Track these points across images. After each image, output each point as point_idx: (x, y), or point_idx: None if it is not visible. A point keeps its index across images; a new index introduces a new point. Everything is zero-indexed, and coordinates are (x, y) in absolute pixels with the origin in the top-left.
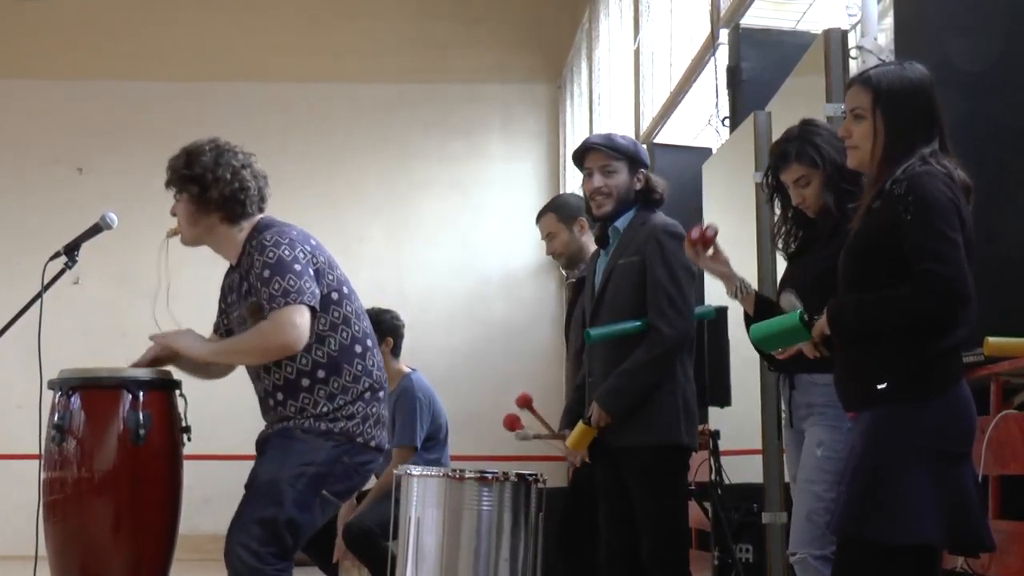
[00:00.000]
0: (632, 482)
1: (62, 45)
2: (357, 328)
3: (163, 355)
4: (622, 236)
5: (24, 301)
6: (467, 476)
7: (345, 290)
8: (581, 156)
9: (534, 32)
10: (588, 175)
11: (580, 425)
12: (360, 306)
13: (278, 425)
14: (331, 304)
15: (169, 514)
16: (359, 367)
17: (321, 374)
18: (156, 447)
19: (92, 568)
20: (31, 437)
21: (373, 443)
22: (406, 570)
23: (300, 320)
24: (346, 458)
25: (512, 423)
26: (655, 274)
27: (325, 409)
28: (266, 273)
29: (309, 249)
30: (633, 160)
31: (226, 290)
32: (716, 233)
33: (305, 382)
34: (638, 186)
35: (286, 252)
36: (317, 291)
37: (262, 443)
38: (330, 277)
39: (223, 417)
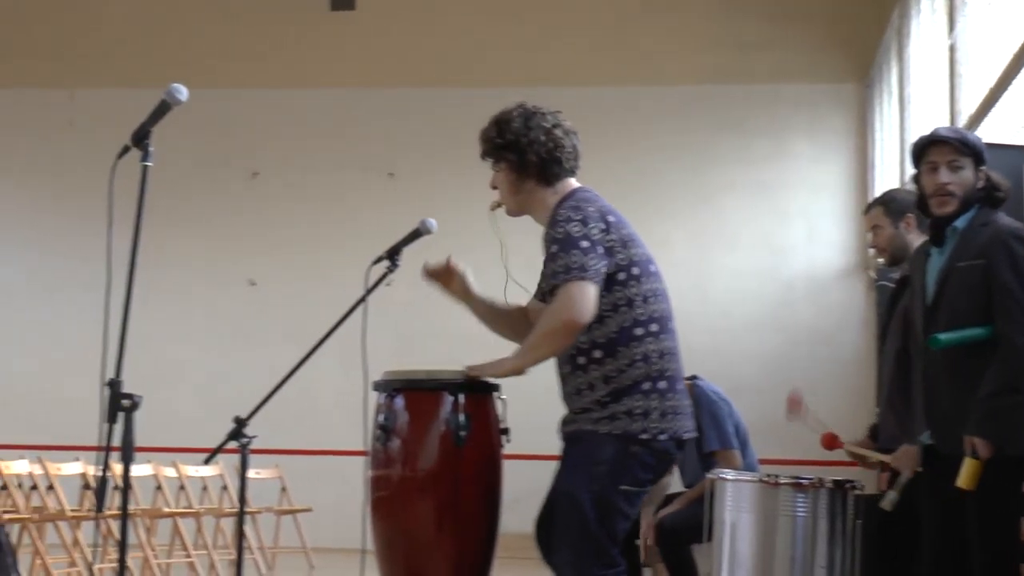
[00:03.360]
0: (969, 494)
1: (374, 54)
2: (642, 311)
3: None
4: (961, 236)
5: (340, 302)
6: (782, 482)
7: (636, 271)
8: (922, 149)
9: (841, 31)
10: (931, 169)
11: (968, 461)
12: (655, 288)
13: (567, 427)
14: (615, 284)
15: (489, 514)
16: (636, 351)
17: (597, 355)
18: (476, 448)
19: (416, 565)
20: (349, 435)
21: (663, 436)
22: (721, 573)
23: (581, 294)
24: (634, 447)
25: (831, 442)
26: (1003, 280)
27: (601, 394)
28: (554, 248)
29: (603, 226)
30: (978, 157)
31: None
32: None
33: (581, 360)
34: (980, 184)
35: (576, 228)
36: (603, 269)
37: (563, 444)
38: (621, 256)
39: (530, 417)
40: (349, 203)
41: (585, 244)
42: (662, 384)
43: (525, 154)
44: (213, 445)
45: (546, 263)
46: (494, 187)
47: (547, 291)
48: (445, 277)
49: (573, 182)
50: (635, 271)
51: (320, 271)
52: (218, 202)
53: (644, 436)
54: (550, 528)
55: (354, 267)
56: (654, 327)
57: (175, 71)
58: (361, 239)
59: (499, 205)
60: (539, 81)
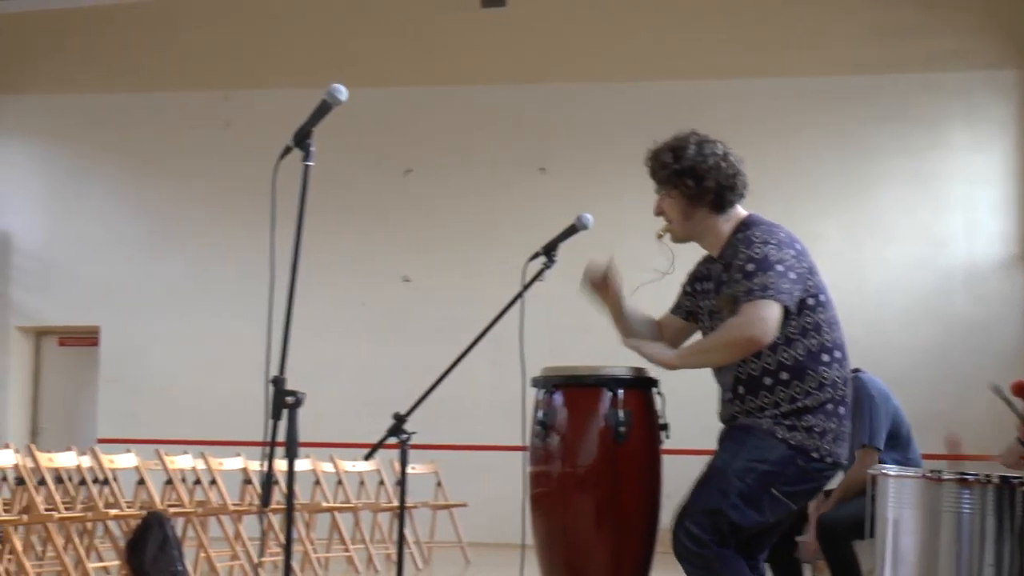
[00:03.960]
0: None
1: (524, 50)
2: (828, 337)
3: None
4: None
5: (492, 298)
6: (945, 478)
7: (822, 297)
8: None
9: (998, 16)
10: None
11: None
12: (834, 316)
13: (739, 420)
14: (805, 309)
15: (649, 511)
16: (824, 375)
17: (784, 376)
18: (636, 444)
19: (576, 561)
20: (504, 430)
21: (829, 459)
22: (884, 570)
23: (769, 314)
24: (800, 461)
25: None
26: None
27: (784, 410)
28: (750, 267)
29: (794, 253)
30: None
31: (699, 276)
32: None
33: (767, 381)
34: None
35: (773, 251)
36: (796, 293)
37: (723, 437)
38: (809, 282)
39: (688, 412)
40: (501, 199)
41: (780, 268)
42: (841, 409)
43: (703, 180)
44: (367, 440)
45: (735, 282)
46: (659, 213)
47: (716, 311)
48: (604, 286)
49: (742, 209)
50: (822, 298)
51: (472, 267)
52: (372, 199)
53: (814, 454)
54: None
55: (506, 262)
56: (837, 354)
57: (327, 71)
58: (513, 235)
59: (667, 232)
60: (689, 74)
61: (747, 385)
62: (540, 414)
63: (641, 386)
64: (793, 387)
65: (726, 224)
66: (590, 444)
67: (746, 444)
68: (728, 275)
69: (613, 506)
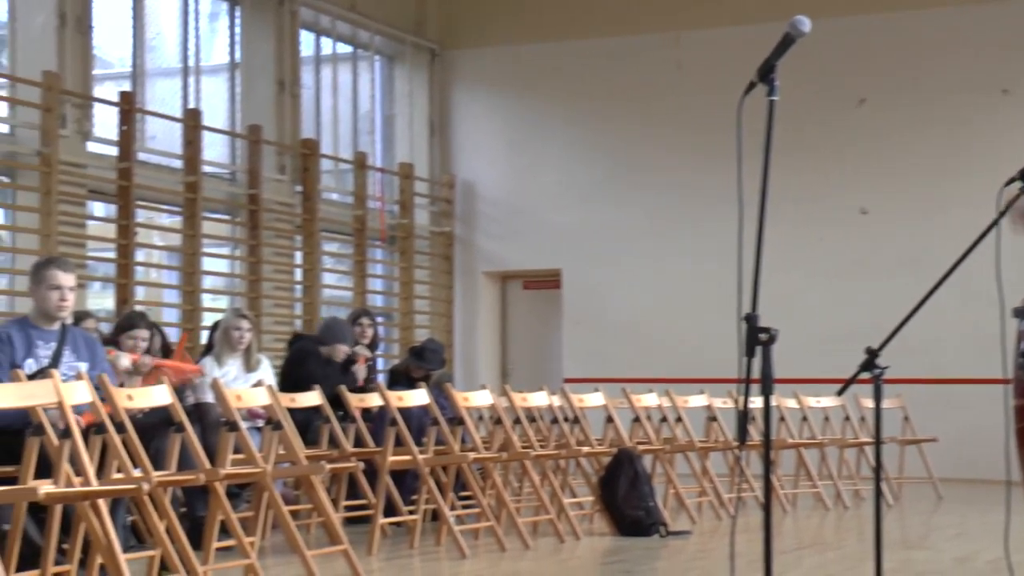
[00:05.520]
0: None
1: None
2: None
3: None
4: None
5: (956, 227)
6: None
7: None
8: None
9: None
10: None
11: None
12: None
13: None
14: None
15: None
16: None
17: None
18: None
19: None
20: (974, 362)
21: None
22: None
23: None
24: None
25: None
26: None
27: None
28: None
29: None
30: None
31: None
32: None
33: None
34: None
35: None
36: None
37: None
38: None
39: None
40: (959, 125)
41: None
42: None
43: None
44: (828, 376)
45: None
46: None
47: None
48: None
49: None
50: None
51: (932, 196)
52: (826, 131)
53: None
54: None
55: (967, 190)
56: None
57: (770, 7)
58: (974, 161)
59: None
60: None
61: None
62: (1023, 345)
63: None
64: None
65: None
66: None
67: None
68: None
69: None
